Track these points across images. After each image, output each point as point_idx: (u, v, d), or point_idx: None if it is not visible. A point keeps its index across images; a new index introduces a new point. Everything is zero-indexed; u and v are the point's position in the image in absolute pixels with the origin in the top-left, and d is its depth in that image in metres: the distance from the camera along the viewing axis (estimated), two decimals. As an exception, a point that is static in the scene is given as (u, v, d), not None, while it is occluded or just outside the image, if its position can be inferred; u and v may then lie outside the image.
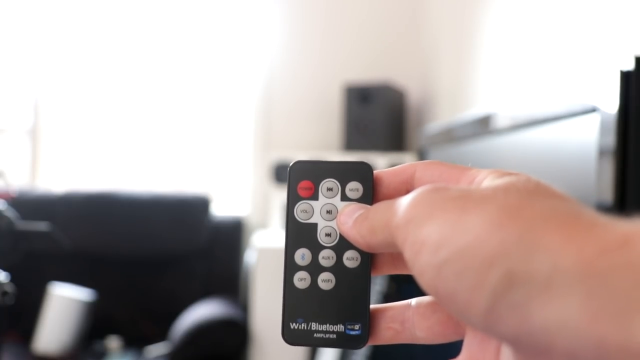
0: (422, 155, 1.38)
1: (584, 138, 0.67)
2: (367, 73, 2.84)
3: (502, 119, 0.88)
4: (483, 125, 0.95)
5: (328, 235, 0.32)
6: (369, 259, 0.32)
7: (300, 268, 0.32)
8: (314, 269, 0.32)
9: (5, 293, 1.20)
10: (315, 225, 0.32)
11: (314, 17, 2.94)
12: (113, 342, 2.46)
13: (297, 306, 0.31)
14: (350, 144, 2.56)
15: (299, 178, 0.33)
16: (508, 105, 0.87)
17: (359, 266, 0.32)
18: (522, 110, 0.81)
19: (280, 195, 2.49)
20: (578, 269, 0.21)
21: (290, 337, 0.32)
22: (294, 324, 0.32)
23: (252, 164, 2.94)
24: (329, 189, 0.32)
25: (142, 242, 2.69)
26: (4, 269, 1.35)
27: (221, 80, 3.09)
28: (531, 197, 0.25)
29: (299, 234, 0.32)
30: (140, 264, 2.71)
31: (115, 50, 3.07)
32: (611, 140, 0.62)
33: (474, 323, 0.23)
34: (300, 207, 0.32)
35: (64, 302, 2.36)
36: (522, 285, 0.21)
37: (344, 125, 2.58)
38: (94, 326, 2.52)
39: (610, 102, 0.62)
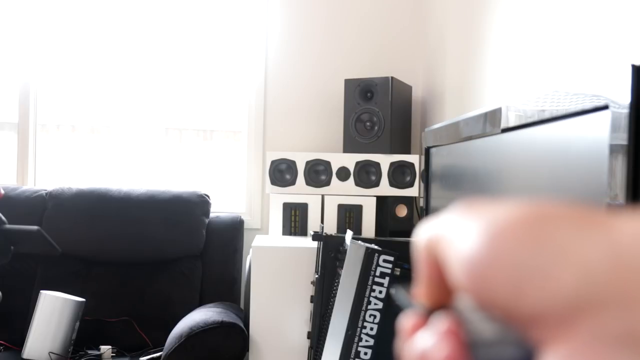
0: (427, 156, 1.37)
1: (596, 135, 0.66)
2: (370, 71, 2.82)
3: (511, 116, 0.87)
4: (491, 123, 0.94)
5: None
6: None
7: None
8: None
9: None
10: None
11: (315, 13, 2.92)
12: (106, 349, 2.41)
13: None
14: (353, 143, 2.55)
15: None
16: (517, 102, 0.85)
17: None
18: (532, 107, 0.80)
19: (277, 198, 2.47)
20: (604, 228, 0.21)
21: None
22: None
23: (253, 165, 2.93)
24: None
25: (136, 243, 2.63)
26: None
27: (221, 80, 3.08)
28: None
29: None
30: (135, 267, 2.64)
31: (110, 46, 3.06)
32: (623, 137, 0.61)
33: (502, 291, 0.22)
34: None
35: (55, 308, 2.32)
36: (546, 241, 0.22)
37: (347, 125, 2.56)
38: (86, 333, 2.45)
39: (622, 99, 0.61)
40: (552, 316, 0.21)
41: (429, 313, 0.27)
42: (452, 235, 0.25)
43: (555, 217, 0.23)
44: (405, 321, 0.28)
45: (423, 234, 0.27)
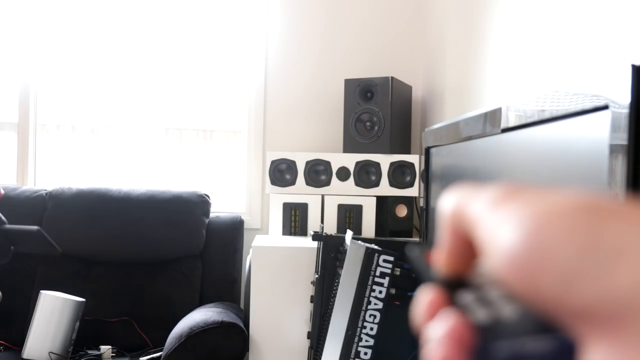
0: (427, 156, 1.37)
1: (596, 135, 0.66)
2: (370, 71, 2.82)
3: (511, 116, 0.87)
4: (491, 123, 0.94)
5: None
6: None
7: None
8: None
9: None
10: None
11: (315, 13, 2.92)
12: (106, 349, 2.40)
13: None
14: (353, 143, 2.54)
15: None
16: (517, 102, 0.85)
17: None
18: (532, 107, 0.80)
19: (277, 198, 2.47)
20: None
21: None
22: None
23: (253, 165, 2.93)
24: None
25: (136, 244, 2.63)
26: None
27: (221, 80, 3.08)
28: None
29: None
30: (135, 267, 2.64)
31: (110, 46, 3.06)
32: (623, 137, 0.61)
33: (549, 283, 0.21)
34: None
35: (55, 308, 2.32)
36: (608, 244, 0.21)
37: (347, 125, 2.56)
38: (86, 333, 2.45)
39: (622, 99, 0.61)
40: (601, 313, 0.20)
41: (446, 283, 0.27)
42: (491, 219, 0.24)
43: (608, 211, 0.21)
44: (423, 296, 0.27)
45: (452, 202, 0.26)
